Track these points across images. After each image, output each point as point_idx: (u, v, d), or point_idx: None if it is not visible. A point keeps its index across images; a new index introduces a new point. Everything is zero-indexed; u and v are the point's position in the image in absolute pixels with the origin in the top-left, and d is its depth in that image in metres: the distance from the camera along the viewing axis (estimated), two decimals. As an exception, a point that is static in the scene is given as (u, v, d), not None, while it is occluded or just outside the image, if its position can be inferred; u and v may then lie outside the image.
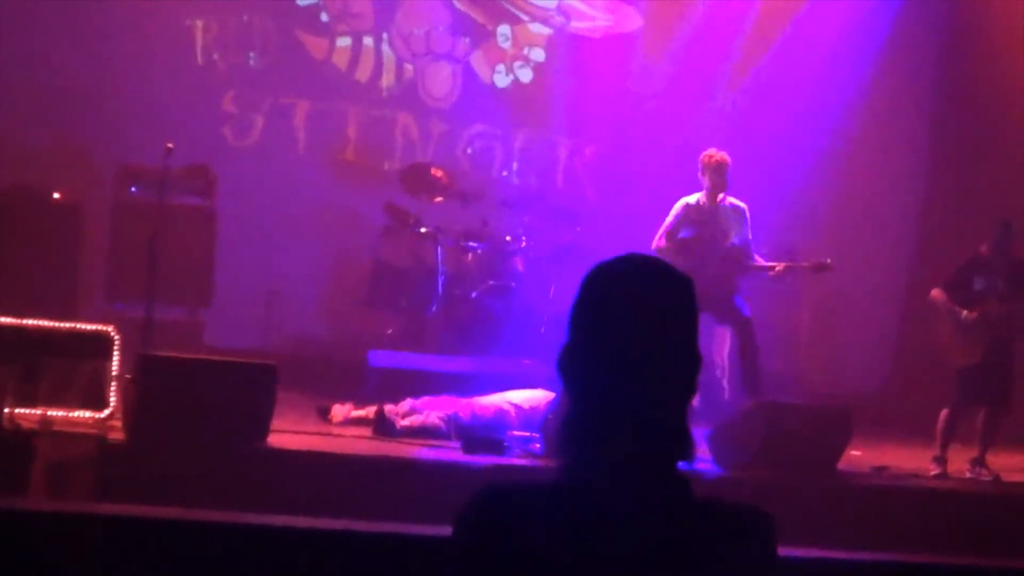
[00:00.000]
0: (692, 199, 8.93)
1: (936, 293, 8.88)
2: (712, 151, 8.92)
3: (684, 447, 2.13)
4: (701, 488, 2.14)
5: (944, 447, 8.60)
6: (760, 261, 9.12)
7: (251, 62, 12.26)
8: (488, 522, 2.09)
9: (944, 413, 8.69)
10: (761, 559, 2.12)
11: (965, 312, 8.65)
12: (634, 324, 2.11)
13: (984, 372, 8.62)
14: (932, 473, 8.48)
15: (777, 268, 9.25)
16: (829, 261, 9.07)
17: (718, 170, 8.80)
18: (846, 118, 12.97)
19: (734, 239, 8.91)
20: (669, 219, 8.93)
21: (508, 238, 10.61)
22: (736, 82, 13.19)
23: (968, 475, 8.53)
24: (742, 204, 8.98)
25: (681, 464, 2.13)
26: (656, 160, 12.25)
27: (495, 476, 6.71)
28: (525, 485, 2.14)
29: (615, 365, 2.10)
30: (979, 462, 8.59)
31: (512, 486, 2.14)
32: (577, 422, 2.13)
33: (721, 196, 8.89)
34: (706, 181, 8.87)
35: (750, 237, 9.00)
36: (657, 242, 8.87)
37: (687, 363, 2.16)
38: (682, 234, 8.88)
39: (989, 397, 8.69)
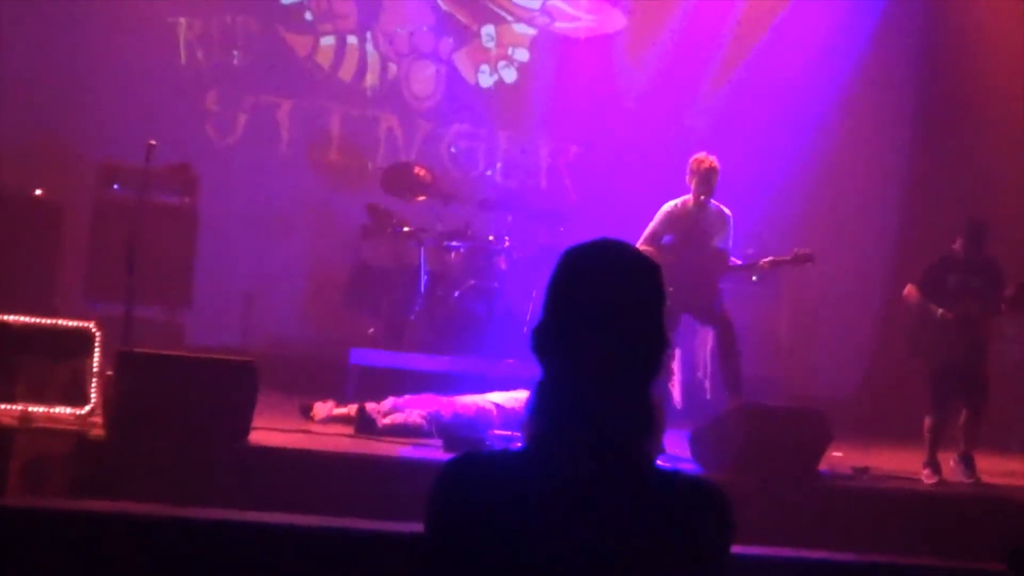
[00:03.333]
0: (676, 203, 8.91)
1: (910, 291, 8.77)
2: (702, 156, 8.85)
3: (647, 422, 2.23)
4: (661, 465, 2.26)
5: (933, 451, 8.44)
6: (740, 263, 9.13)
7: (234, 60, 12.24)
8: (459, 486, 2.22)
9: (927, 419, 8.57)
10: (717, 527, 2.21)
11: (941, 311, 8.55)
12: (602, 304, 2.23)
13: (960, 372, 8.54)
14: (929, 481, 8.30)
15: (760, 264, 9.24)
16: (810, 251, 9.00)
17: (707, 175, 8.76)
18: (827, 120, 13.01)
19: (716, 244, 8.90)
20: (653, 224, 8.91)
21: (491, 238, 10.60)
22: (718, 83, 13.22)
23: (952, 467, 8.44)
24: (727, 211, 8.95)
25: (643, 439, 2.23)
26: (639, 161, 12.29)
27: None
28: (497, 454, 2.32)
29: (583, 342, 2.22)
30: (964, 460, 8.50)
31: (479, 456, 2.30)
32: (547, 394, 2.25)
33: (706, 199, 8.88)
34: (693, 185, 8.84)
35: (730, 245, 9.00)
36: (639, 246, 8.84)
37: (652, 343, 2.26)
38: (665, 239, 8.87)
39: (966, 396, 8.59)
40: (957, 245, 8.78)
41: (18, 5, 10.97)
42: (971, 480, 8.44)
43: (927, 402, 8.67)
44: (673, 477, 2.24)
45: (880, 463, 8.63)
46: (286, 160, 12.23)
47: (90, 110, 11.09)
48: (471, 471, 2.24)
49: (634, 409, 2.21)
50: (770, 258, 9.22)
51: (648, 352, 2.25)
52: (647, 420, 2.22)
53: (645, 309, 2.26)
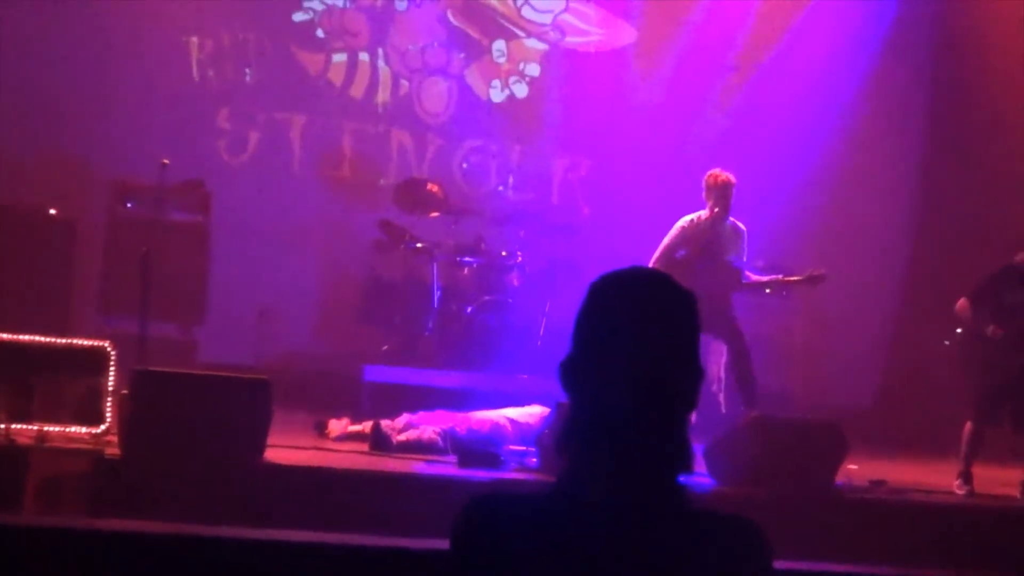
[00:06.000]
0: (692, 218, 8.93)
1: (962, 305, 8.39)
2: (717, 171, 8.88)
3: (683, 459, 2.14)
4: (697, 502, 2.15)
5: (969, 462, 8.21)
6: (754, 278, 9.13)
7: (247, 78, 12.27)
8: (482, 531, 2.10)
9: (967, 428, 8.28)
10: (754, 570, 2.13)
11: (992, 328, 8.21)
12: (637, 336, 2.12)
13: (1012, 392, 8.23)
14: (960, 492, 8.12)
15: (773, 283, 9.25)
16: (823, 271, 9.02)
17: (722, 191, 8.79)
18: (838, 133, 13.00)
19: (731, 259, 8.92)
20: (668, 238, 8.93)
21: (503, 253, 10.61)
22: (729, 96, 13.22)
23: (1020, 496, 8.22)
24: (742, 226, 8.98)
25: (679, 477, 2.14)
26: (651, 175, 12.28)
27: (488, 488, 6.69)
28: (518, 493, 2.16)
29: (617, 376, 2.11)
30: None
31: (505, 495, 2.15)
32: (577, 431, 2.15)
33: (721, 214, 8.89)
34: (709, 200, 8.86)
35: (744, 259, 9.01)
36: (655, 261, 8.85)
37: (688, 376, 2.18)
38: (680, 253, 8.88)
39: (1015, 419, 8.29)
40: (1020, 258, 8.31)
41: (31, 24, 11.02)
42: None
43: (972, 411, 8.36)
44: (709, 515, 2.15)
45: (896, 476, 8.59)
46: (298, 177, 12.26)
47: (103, 128, 11.13)
48: (496, 512, 2.12)
49: (669, 445, 2.13)
50: (783, 277, 9.23)
51: (684, 385, 2.16)
52: (682, 456, 2.14)
53: (682, 341, 2.18)
